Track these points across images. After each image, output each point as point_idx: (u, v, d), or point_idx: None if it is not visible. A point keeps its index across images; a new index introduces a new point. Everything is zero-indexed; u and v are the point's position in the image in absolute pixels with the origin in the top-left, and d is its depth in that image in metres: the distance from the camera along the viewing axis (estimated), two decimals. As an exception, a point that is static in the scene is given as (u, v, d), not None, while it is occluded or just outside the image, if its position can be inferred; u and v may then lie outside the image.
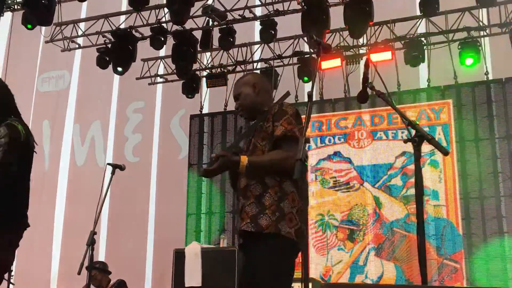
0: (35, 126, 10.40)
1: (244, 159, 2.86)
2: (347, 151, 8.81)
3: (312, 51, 9.21)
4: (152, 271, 9.98)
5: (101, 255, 9.67)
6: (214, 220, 9.20)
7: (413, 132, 2.74)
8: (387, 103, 2.70)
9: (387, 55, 8.48)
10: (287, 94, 3.09)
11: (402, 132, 8.49)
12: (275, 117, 2.98)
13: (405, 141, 2.60)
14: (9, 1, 10.00)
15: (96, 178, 10.68)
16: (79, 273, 3.94)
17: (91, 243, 3.97)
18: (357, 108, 8.94)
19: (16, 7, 10.47)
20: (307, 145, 8.66)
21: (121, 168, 4.55)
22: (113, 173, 4.44)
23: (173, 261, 5.74)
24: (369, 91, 3.19)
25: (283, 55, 9.47)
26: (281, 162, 2.88)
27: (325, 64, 9.01)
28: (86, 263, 4.03)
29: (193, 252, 5.52)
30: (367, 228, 8.37)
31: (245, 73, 3.34)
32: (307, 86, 9.67)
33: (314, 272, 8.47)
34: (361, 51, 9.04)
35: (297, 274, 8.28)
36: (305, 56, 9.33)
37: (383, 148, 8.58)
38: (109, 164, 4.46)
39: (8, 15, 10.72)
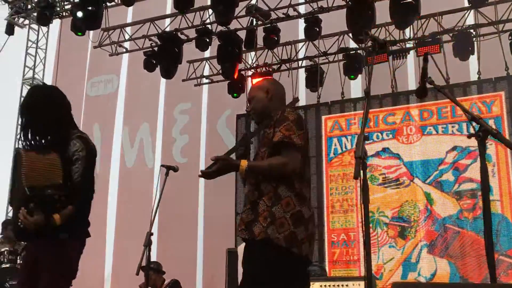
0: (85, 130, 10.56)
1: (244, 163, 2.90)
2: (396, 147, 8.69)
3: (358, 46, 9.12)
4: (203, 271, 10.07)
5: (152, 256, 9.81)
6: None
7: (473, 126, 2.67)
8: (447, 97, 2.65)
9: (435, 48, 8.32)
10: (296, 100, 3.19)
11: (453, 126, 8.33)
12: (277, 123, 3.00)
13: (469, 136, 2.54)
14: (58, 9, 10.25)
15: (145, 179, 10.95)
16: (137, 274, 4.01)
17: (148, 244, 4.03)
18: (405, 103, 8.82)
19: (64, 14, 10.74)
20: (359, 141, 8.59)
21: (175, 169, 4.61)
22: (167, 174, 4.50)
23: (226, 261, 5.76)
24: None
25: (328, 52, 9.41)
26: (278, 168, 2.92)
27: (371, 60, 8.90)
28: (143, 263, 4.08)
29: (246, 251, 5.53)
30: (418, 224, 8.24)
31: (262, 78, 3.36)
32: (353, 83, 9.59)
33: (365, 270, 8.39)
34: (407, 45, 8.90)
35: (354, 272, 8.24)
36: (351, 52, 9.25)
37: (433, 143, 8.44)
38: (162, 165, 4.53)
39: (56, 22, 10.98)
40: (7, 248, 6.41)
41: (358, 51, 9.18)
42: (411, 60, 9.07)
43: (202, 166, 10.54)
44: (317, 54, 9.48)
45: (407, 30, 8.74)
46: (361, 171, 2.28)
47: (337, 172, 8.98)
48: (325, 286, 5.26)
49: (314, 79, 9.54)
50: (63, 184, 3.04)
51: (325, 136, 9.23)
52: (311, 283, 5.30)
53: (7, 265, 6.20)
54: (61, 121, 3.25)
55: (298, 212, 2.92)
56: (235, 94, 9.94)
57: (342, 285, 5.26)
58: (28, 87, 12.01)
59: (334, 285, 5.27)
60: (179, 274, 7.66)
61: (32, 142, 3.21)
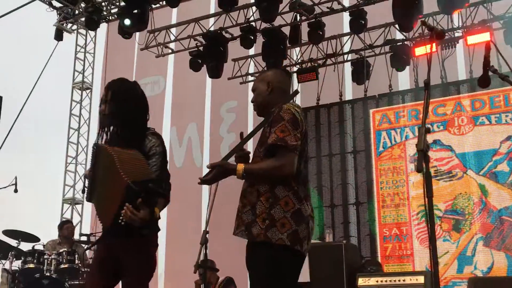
0: (134, 131, 10.80)
1: (240, 167, 2.88)
2: (448, 139, 8.52)
3: (405, 38, 8.98)
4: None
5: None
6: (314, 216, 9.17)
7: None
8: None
9: (485, 36, 8.10)
10: (295, 92, 3.09)
11: (506, 116, 8.12)
12: (272, 122, 2.93)
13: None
14: (104, 13, 10.44)
15: (194, 179, 10.97)
16: (195, 272, 4.04)
17: (204, 242, 4.06)
18: (455, 94, 8.64)
19: (111, 18, 10.93)
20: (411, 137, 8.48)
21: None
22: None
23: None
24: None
25: (374, 45, 9.29)
26: (272, 171, 2.88)
27: (419, 51, 8.76)
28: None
29: (300, 248, 5.52)
30: (473, 217, 8.07)
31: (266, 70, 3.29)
32: (401, 75, 9.45)
33: (419, 264, 8.27)
34: (456, 34, 8.70)
35: (407, 267, 8.13)
36: (397, 44, 9.11)
37: (486, 133, 8.24)
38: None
39: (103, 26, 11.19)
40: (65, 249, 6.57)
41: (405, 42, 9.03)
42: (460, 50, 8.88)
43: (250, 164, 10.60)
44: (363, 47, 9.37)
45: (455, 19, 8.56)
46: (424, 164, 2.22)
47: (387, 166, 8.87)
48: (381, 281, 5.20)
49: (361, 72, 9.44)
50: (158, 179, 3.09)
51: (374, 130, 9.12)
52: (367, 278, 5.26)
53: (66, 265, 6.34)
54: (141, 116, 3.28)
55: (298, 210, 2.89)
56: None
57: (399, 280, 5.19)
58: (78, 91, 12.29)
59: (390, 280, 5.20)
60: (231, 271, 7.70)
61: (112, 135, 3.24)
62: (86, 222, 11.44)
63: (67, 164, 12.01)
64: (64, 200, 11.81)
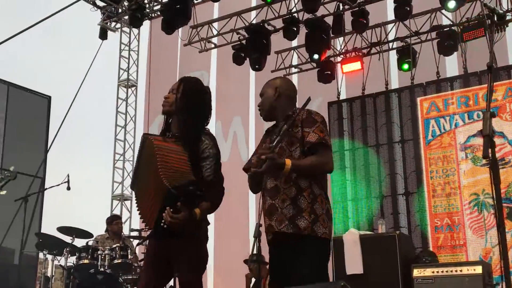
0: (180, 127, 10.89)
1: (288, 162, 3.01)
2: (499, 125, 8.27)
3: (452, 23, 8.76)
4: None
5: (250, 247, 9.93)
6: (361, 207, 9.08)
7: None
8: None
9: (537, 18, 7.85)
10: (308, 100, 3.13)
11: (561, 100, 7.83)
12: (304, 123, 3.13)
13: None
14: (147, 10, 10.53)
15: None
16: (249, 266, 4.03)
17: (258, 235, 4.03)
18: (506, 79, 8.38)
19: (153, 15, 11.03)
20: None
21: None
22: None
23: (331, 249, 5.71)
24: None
25: (420, 31, 9.10)
26: (319, 167, 3.10)
27: (467, 36, 8.54)
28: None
29: (352, 239, 5.45)
30: (528, 205, 7.83)
31: (277, 76, 3.43)
32: (448, 61, 9.23)
33: (473, 254, 8.08)
34: (507, 17, 8.43)
35: (461, 257, 7.96)
36: (445, 29, 8.89)
37: (541, 118, 7.97)
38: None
39: (146, 23, 11.30)
40: (118, 244, 6.68)
41: (453, 28, 8.81)
42: (510, 33, 8.61)
43: (296, 156, 10.56)
44: (409, 34, 9.19)
45: (504, 1, 8.30)
46: (490, 150, 2.14)
47: (437, 155, 8.68)
48: (437, 272, 5.09)
49: (407, 60, 9.26)
50: (196, 180, 3.06)
51: (422, 118, 8.93)
52: (423, 269, 5.17)
53: (119, 261, 6.44)
54: (202, 120, 3.28)
55: (328, 209, 3.15)
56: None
57: (456, 270, 5.07)
58: (124, 89, 12.46)
59: (447, 271, 5.09)
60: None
61: (168, 126, 3.27)
62: (136, 217, 11.59)
63: (115, 161, 12.21)
64: (114, 196, 12.01)
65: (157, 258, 3.20)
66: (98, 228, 7.78)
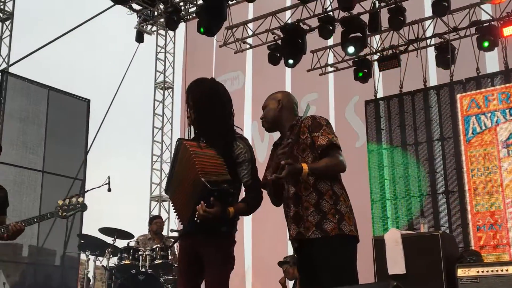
0: (216, 128, 10.93)
1: (305, 167, 3.10)
2: (541, 123, 8.07)
3: (492, 18, 8.58)
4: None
5: (289, 248, 9.91)
6: (400, 206, 8.96)
7: None
8: None
9: None
10: (308, 107, 3.27)
11: None
12: (311, 129, 3.23)
13: None
14: (183, 13, 10.61)
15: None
16: (284, 269, 4.02)
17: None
18: (548, 74, 8.17)
19: (188, 17, 11.11)
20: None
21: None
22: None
23: (373, 249, 5.65)
24: None
25: (458, 27, 8.93)
26: (334, 168, 3.20)
27: (507, 31, 8.36)
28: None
29: (393, 239, 5.38)
30: None
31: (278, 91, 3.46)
32: (489, 57, 9.05)
33: (518, 253, 7.91)
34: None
35: (504, 257, 7.80)
36: (484, 25, 8.71)
37: None
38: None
39: (181, 26, 11.38)
40: (158, 245, 6.74)
41: (492, 23, 8.63)
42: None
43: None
44: (447, 30, 9.04)
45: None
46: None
47: (478, 152, 8.51)
48: (482, 271, 4.99)
49: (445, 57, 9.11)
50: (232, 180, 3.09)
51: (462, 115, 8.77)
52: (467, 269, 5.07)
53: (160, 261, 6.50)
54: (224, 119, 3.25)
55: (350, 205, 3.25)
56: (360, 74, 9.73)
57: (502, 270, 4.96)
58: (161, 91, 12.58)
59: (492, 270, 4.98)
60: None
61: (199, 137, 3.27)
62: (173, 218, 11.69)
63: (153, 162, 12.33)
64: (152, 197, 12.14)
65: (190, 258, 3.23)
66: (137, 229, 7.88)
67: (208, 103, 3.21)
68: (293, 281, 7.56)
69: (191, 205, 3.05)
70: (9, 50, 9.97)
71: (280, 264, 7.58)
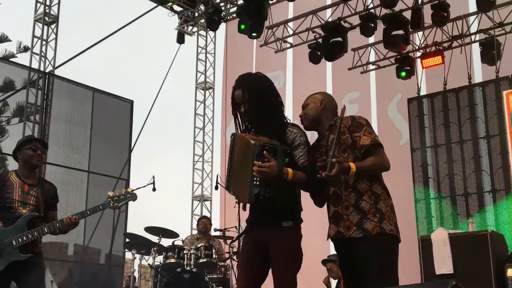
0: (257, 127, 10.97)
1: (353, 166, 3.10)
2: None
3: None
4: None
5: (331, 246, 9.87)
6: (445, 205, 8.81)
7: None
8: None
9: None
10: (344, 108, 3.28)
11: None
12: (352, 129, 3.25)
13: None
14: (223, 13, 10.67)
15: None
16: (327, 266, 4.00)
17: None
18: None
19: (229, 17, 11.16)
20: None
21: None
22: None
23: (419, 249, 5.58)
24: None
25: (504, 22, 8.74)
26: (380, 166, 3.22)
27: None
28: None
29: (441, 238, 5.30)
30: None
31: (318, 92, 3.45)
32: (536, 52, 8.82)
33: None
34: None
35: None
36: (531, 19, 8.51)
37: None
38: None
39: (222, 26, 11.44)
40: (203, 244, 6.80)
41: (540, 17, 8.42)
42: None
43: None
44: (492, 25, 8.85)
45: None
46: None
47: (527, 150, 8.30)
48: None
49: (491, 52, 8.92)
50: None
51: (508, 112, 8.56)
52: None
53: (204, 260, 6.56)
54: (278, 110, 3.35)
55: (391, 204, 3.26)
56: (402, 74, 9.60)
57: None
58: (201, 91, 12.68)
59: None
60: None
61: (251, 129, 3.31)
62: (215, 217, 11.76)
63: (195, 162, 12.44)
64: (194, 197, 12.24)
65: (253, 253, 3.25)
66: (179, 228, 7.96)
67: (260, 95, 3.30)
68: (336, 280, 7.53)
69: (248, 177, 3.07)
70: (55, 53, 10.19)
71: (324, 262, 7.54)
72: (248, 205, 3.26)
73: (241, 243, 3.76)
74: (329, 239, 3.36)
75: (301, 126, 3.40)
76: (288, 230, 3.20)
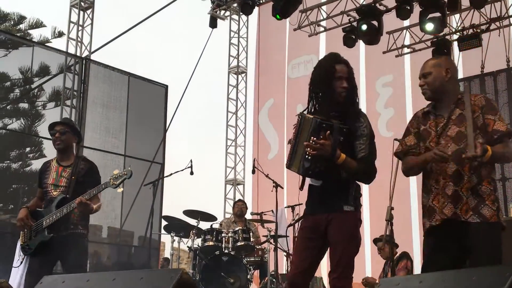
0: (290, 111, 10.97)
1: (489, 149, 2.95)
2: None
3: None
4: (419, 243, 9.84)
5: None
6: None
7: None
8: None
9: None
10: (469, 86, 3.06)
11: None
12: (485, 110, 3.10)
13: None
14: (256, -3, 10.65)
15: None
16: (382, 248, 4.02)
17: (390, 218, 4.02)
18: None
19: (262, 1, 11.13)
20: None
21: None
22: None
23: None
24: None
25: (544, 4, 8.56)
26: (510, 156, 3.13)
27: None
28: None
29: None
30: None
31: (438, 56, 3.33)
32: None
33: None
34: None
35: None
36: None
37: None
38: (396, 139, 4.46)
39: (255, 10, 11.41)
40: (240, 227, 6.87)
41: None
42: None
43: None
44: (532, 7, 8.67)
45: None
46: None
47: None
48: None
49: (531, 35, 8.76)
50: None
51: (547, 95, 8.43)
52: None
53: (242, 243, 6.62)
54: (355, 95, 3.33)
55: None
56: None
57: None
58: (234, 75, 12.70)
59: None
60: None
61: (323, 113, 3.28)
62: (248, 201, 11.84)
63: (227, 146, 12.51)
64: (227, 181, 12.33)
65: (311, 237, 3.27)
66: (212, 212, 8.01)
67: (354, 79, 3.35)
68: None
69: (302, 150, 3.13)
70: (91, 38, 10.31)
71: (376, 241, 7.32)
72: (306, 187, 3.29)
73: (297, 228, 3.78)
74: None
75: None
76: (349, 214, 3.19)
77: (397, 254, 6.52)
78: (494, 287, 1.72)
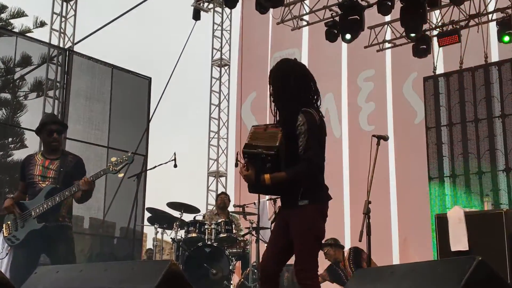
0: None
1: None
2: None
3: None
4: (398, 235, 10.04)
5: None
6: (458, 183, 8.92)
7: None
8: None
9: None
10: None
11: None
12: None
13: None
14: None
15: (334, 150, 11.09)
16: (360, 240, 4.16)
17: (367, 212, 4.15)
18: None
19: (246, -6, 11.17)
20: None
21: (385, 138, 4.66)
22: (378, 144, 4.57)
23: (435, 226, 5.72)
24: None
25: (522, 1, 8.74)
26: None
27: None
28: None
29: (457, 216, 5.43)
30: None
31: None
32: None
33: None
34: None
35: None
36: (550, -2, 8.50)
37: None
38: (374, 135, 4.60)
39: (238, 3, 11.47)
40: (223, 219, 6.99)
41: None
42: None
43: (391, 133, 10.45)
44: (510, 4, 8.85)
45: None
46: None
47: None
48: None
49: (508, 32, 8.93)
50: (277, 147, 3.27)
51: (524, 92, 8.63)
52: None
53: (225, 235, 6.74)
54: (294, 97, 3.41)
55: None
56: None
57: None
58: (217, 68, 12.76)
59: (559, 249, 4.97)
60: (375, 238, 7.67)
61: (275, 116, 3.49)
62: (230, 193, 11.93)
63: (210, 138, 12.59)
64: (209, 173, 12.42)
65: (280, 229, 3.47)
66: (195, 204, 8.10)
67: (279, 81, 3.45)
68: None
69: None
70: (74, 30, 10.30)
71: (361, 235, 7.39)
72: None
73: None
74: None
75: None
76: (304, 208, 3.30)
77: (347, 252, 6.72)
78: (456, 278, 1.85)
